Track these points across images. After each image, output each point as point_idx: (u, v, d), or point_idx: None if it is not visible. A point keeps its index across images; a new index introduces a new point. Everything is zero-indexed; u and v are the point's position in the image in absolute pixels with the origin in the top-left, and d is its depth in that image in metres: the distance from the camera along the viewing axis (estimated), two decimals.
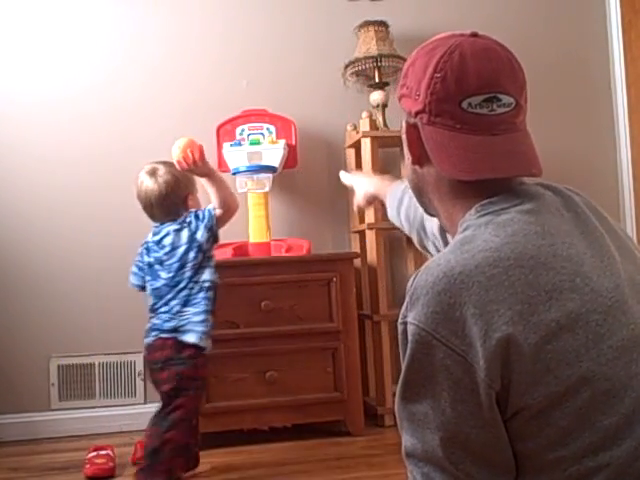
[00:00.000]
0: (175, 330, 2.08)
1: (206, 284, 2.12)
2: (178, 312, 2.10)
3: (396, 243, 3.19)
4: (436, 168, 0.98)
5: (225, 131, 3.00)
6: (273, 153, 2.87)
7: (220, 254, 2.81)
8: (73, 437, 2.84)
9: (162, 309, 2.12)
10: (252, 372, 2.60)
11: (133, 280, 2.25)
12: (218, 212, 2.15)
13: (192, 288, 2.11)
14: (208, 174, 2.15)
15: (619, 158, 3.39)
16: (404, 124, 1.03)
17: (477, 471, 0.84)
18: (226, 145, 2.92)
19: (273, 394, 2.61)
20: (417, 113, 0.98)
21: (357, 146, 2.98)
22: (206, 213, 2.16)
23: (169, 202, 2.16)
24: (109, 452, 2.37)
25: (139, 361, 2.95)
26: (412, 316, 0.86)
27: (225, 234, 2.93)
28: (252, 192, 2.86)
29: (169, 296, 2.12)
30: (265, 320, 2.62)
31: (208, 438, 2.55)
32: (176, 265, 2.12)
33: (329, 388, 2.65)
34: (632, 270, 0.93)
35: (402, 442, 0.90)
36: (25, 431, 2.84)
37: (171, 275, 2.13)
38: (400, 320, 0.89)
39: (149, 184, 2.16)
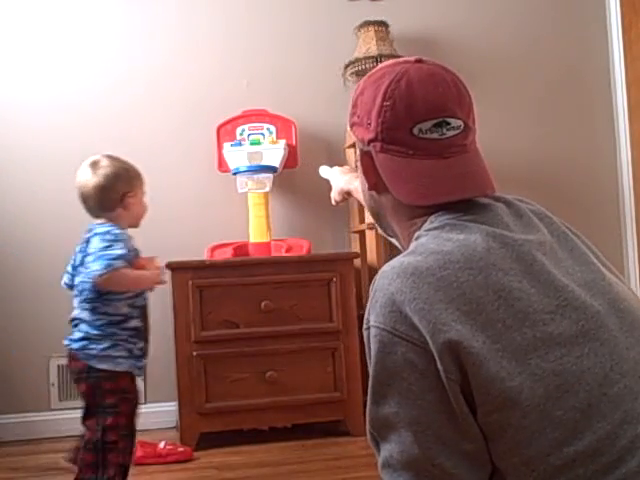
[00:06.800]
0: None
1: None
2: None
3: None
4: (393, 194, 1.01)
5: (225, 131, 2.99)
6: (273, 153, 2.88)
7: (220, 254, 2.82)
8: (73, 437, 2.82)
9: None
10: (252, 372, 2.59)
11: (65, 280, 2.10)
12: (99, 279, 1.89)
13: None
14: None
15: (619, 159, 3.39)
16: (358, 152, 1.05)
17: (453, 466, 0.86)
18: (226, 145, 2.92)
19: (273, 394, 2.60)
20: (370, 141, 1.01)
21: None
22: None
23: (104, 196, 1.95)
24: None
25: None
26: (373, 319, 0.91)
27: (225, 234, 2.95)
28: (252, 192, 2.86)
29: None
30: (265, 320, 2.62)
31: (208, 438, 2.55)
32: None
33: (329, 388, 2.65)
34: (584, 270, 0.96)
35: (378, 459, 0.91)
36: (25, 431, 2.83)
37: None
38: (364, 326, 0.93)
39: (88, 176, 1.95)
